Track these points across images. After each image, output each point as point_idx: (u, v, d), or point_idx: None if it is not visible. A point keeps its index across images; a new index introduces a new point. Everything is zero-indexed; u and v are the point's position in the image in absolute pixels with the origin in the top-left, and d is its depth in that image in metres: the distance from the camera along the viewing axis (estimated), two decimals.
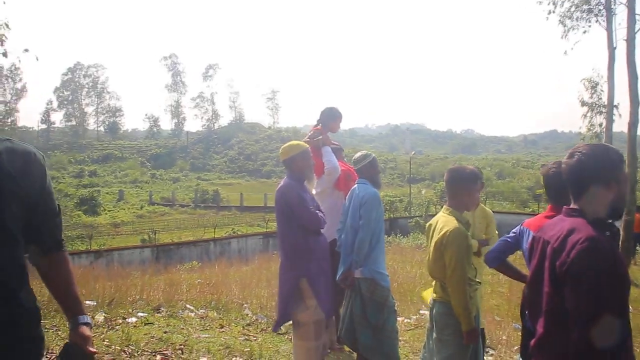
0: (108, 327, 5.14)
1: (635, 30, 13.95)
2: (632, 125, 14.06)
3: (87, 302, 5.99)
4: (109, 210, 54.34)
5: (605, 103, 18.55)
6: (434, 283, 3.69)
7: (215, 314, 6.22)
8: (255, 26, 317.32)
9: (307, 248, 4.16)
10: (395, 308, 4.60)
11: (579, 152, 2.17)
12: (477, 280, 3.61)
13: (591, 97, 18.98)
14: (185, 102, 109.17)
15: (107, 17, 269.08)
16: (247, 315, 6.41)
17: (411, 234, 28.88)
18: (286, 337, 5.52)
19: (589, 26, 18.31)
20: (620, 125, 16.80)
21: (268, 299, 7.24)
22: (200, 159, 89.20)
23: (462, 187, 3.56)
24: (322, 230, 4.34)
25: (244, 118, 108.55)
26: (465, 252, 3.40)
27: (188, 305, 6.45)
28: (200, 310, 6.34)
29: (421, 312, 7.95)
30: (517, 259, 5.48)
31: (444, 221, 3.51)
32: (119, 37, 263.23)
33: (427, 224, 3.79)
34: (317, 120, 5.58)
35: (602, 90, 18.72)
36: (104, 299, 6.17)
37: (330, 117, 5.53)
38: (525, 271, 3.22)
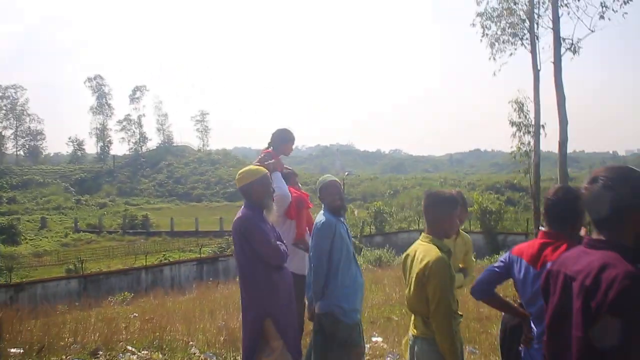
0: None
1: (562, 53, 14.44)
2: (562, 144, 14.46)
3: (12, 349, 5.35)
4: (30, 239, 51.63)
5: (533, 122, 19.23)
6: (413, 318, 3.38)
7: (159, 355, 5.70)
8: (183, 47, 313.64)
9: (270, 284, 3.81)
10: (363, 350, 4.30)
11: (603, 176, 1.92)
12: (460, 313, 3.34)
13: (519, 117, 19.57)
14: (112, 124, 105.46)
15: (26, 35, 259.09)
16: (194, 354, 5.92)
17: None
18: None
19: (515, 49, 19.03)
20: (547, 144, 17.36)
21: (215, 334, 6.75)
22: (128, 183, 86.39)
23: (442, 213, 3.28)
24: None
25: (173, 141, 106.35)
26: (450, 284, 3.12)
27: (129, 347, 5.89)
28: (143, 352, 5.80)
29: (373, 339, 7.66)
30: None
31: (423, 250, 3.21)
32: (40, 58, 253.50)
33: (404, 254, 3.49)
34: (267, 142, 5.24)
35: (528, 110, 19.35)
36: (32, 345, 5.53)
37: (282, 140, 5.20)
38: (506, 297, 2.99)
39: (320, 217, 4.34)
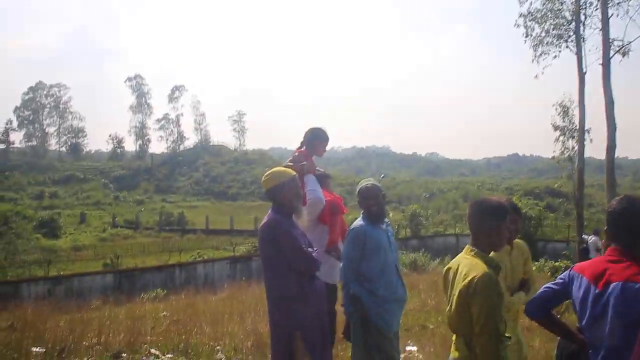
0: None
1: (610, 56, 13.81)
2: (609, 150, 13.83)
3: (35, 348, 5.20)
4: (70, 234, 52.60)
5: (577, 127, 18.57)
6: (454, 339, 3.05)
7: None
8: (222, 48, 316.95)
9: (301, 295, 3.51)
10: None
11: None
12: (508, 335, 2.98)
13: (563, 121, 18.92)
14: (150, 123, 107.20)
15: (69, 35, 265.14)
16: None
17: None
18: None
19: (560, 51, 18.38)
20: (591, 149, 16.73)
21: (243, 338, 6.52)
22: (165, 181, 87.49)
23: (489, 224, 2.93)
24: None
25: (210, 140, 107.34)
26: (497, 303, 2.77)
27: (153, 350, 5.69)
28: (167, 356, 5.60)
29: (408, 348, 7.32)
30: None
31: (468, 265, 2.88)
32: (84, 58, 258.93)
33: (445, 268, 3.16)
34: (300, 142, 4.96)
35: (573, 114, 18.69)
36: (54, 345, 5.38)
37: (316, 139, 4.91)
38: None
39: (355, 222, 4.14)
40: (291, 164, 4.65)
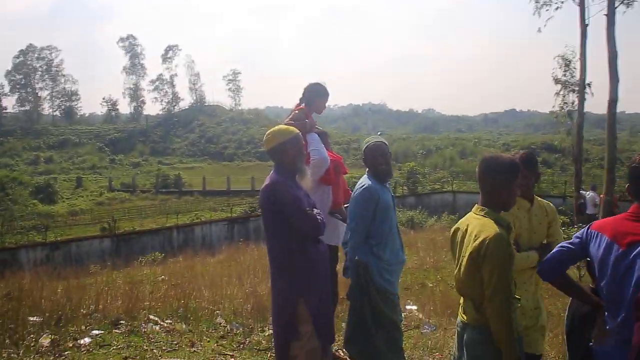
0: (55, 354, 4.28)
1: (616, 5, 13.42)
2: (611, 103, 13.58)
3: (31, 318, 5.12)
4: (66, 198, 52.56)
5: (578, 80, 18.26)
6: (462, 302, 2.94)
7: (183, 326, 5.41)
8: (215, 5, 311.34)
9: (305, 259, 3.37)
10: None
11: None
12: (518, 297, 2.86)
13: (564, 75, 18.61)
14: (144, 85, 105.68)
15: None
16: (220, 324, 5.63)
17: None
18: (269, 355, 4.76)
19: (562, 2, 17.92)
20: (588, 103, 16.42)
21: (242, 302, 6.47)
22: (161, 143, 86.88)
23: (500, 181, 2.78)
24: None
25: (205, 100, 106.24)
26: (509, 265, 2.66)
27: (152, 316, 5.62)
28: (166, 322, 5.53)
29: (408, 307, 7.28)
30: None
31: (478, 225, 2.74)
32: (74, 19, 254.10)
33: (453, 228, 3.01)
34: (299, 99, 4.76)
35: (574, 68, 18.34)
36: (52, 313, 5.30)
37: (316, 95, 4.70)
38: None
39: (363, 181, 3.92)
40: (292, 122, 4.47)
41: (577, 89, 18.23)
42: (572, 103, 18.41)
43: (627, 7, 15.55)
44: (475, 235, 2.70)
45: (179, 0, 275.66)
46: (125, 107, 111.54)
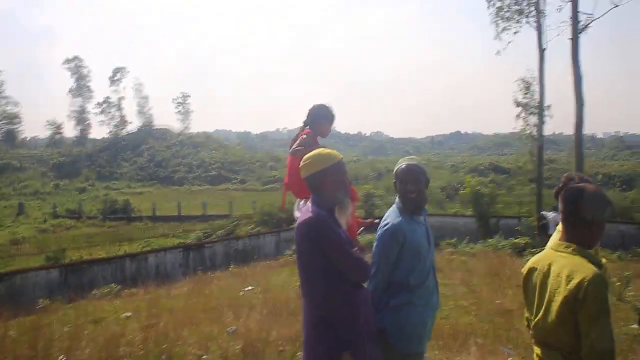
0: None
1: (579, 30, 13.61)
2: (578, 126, 13.71)
3: None
4: (7, 226, 50.05)
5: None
6: (539, 351, 2.52)
7: None
8: (163, 29, 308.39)
9: (351, 307, 2.87)
10: None
11: None
12: None
13: (525, 97, 18.84)
14: (90, 107, 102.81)
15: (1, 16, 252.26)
16: None
17: None
18: None
19: (520, 27, 18.23)
20: (552, 126, 16.69)
21: (229, 341, 5.89)
22: (108, 167, 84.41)
23: (598, 216, 2.44)
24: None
25: (154, 124, 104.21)
26: (610, 310, 2.30)
27: None
28: None
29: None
30: None
31: (570, 265, 2.37)
32: (17, 39, 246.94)
33: (527, 268, 2.62)
34: (303, 121, 4.33)
35: (534, 91, 18.62)
36: None
37: (322, 118, 4.31)
38: None
39: (388, 215, 3.38)
40: (300, 147, 4.02)
41: (536, 111, 18.52)
42: (534, 125, 18.65)
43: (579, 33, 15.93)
44: (568, 277, 2.32)
45: (126, 23, 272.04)
46: (70, 131, 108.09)
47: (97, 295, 15.06)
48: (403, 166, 3.42)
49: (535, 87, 18.41)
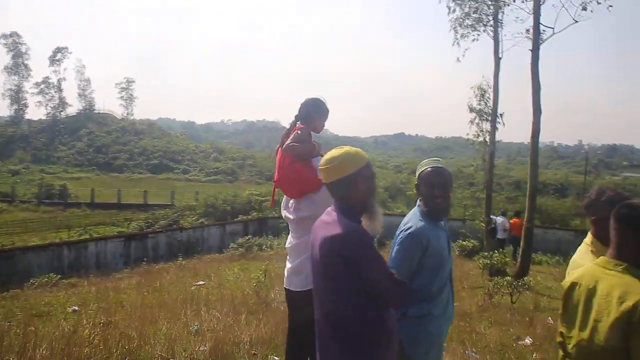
0: None
1: (541, 42, 13.81)
2: (535, 134, 13.94)
3: None
4: None
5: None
6: None
7: None
8: (111, 13, 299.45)
9: (384, 332, 2.50)
10: None
11: None
12: None
13: (479, 104, 19.11)
14: (28, 87, 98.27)
15: None
16: None
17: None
18: None
19: (478, 35, 18.48)
20: (503, 133, 17.03)
21: (194, 342, 5.56)
22: (44, 150, 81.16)
23: None
24: None
25: (95, 108, 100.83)
26: None
27: None
28: None
29: None
30: None
31: (620, 285, 2.22)
32: None
33: (568, 282, 2.45)
34: (295, 116, 4.05)
35: (489, 98, 18.90)
36: None
37: (316, 111, 4.00)
38: None
39: (410, 219, 3.10)
40: (295, 144, 3.74)
41: (490, 118, 18.84)
42: (487, 131, 18.96)
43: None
44: (620, 298, 2.15)
45: (72, 2, 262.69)
46: (4, 110, 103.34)
47: (35, 285, 14.23)
48: (429, 169, 3.14)
49: (490, 95, 18.75)
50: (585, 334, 2.28)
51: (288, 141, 3.79)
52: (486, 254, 14.33)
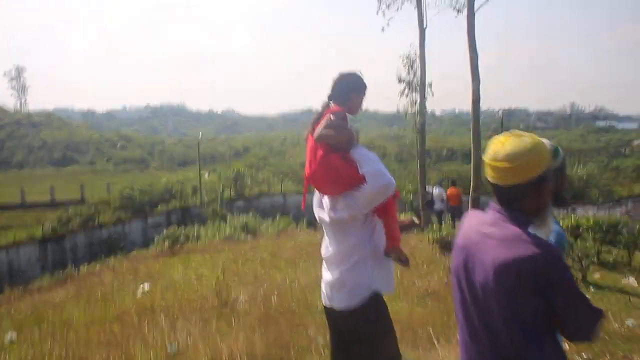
0: None
1: (476, 9, 13.64)
2: (475, 103, 13.84)
3: None
4: None
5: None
6: None
7: None
8: None
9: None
10: None
11: None
12: None
13: (408, 75, 18.91)
14: None
15: None
16: None
17: (210, 222, 26.76)
18: None
19: (402, 3, 18.31)
20: (432, 102, 17.02)
21: None
22: None
23: None
24: None
25: None
26: None
27: None
28: None
29: None
30: None
31: None
32: None
33: None
34: (327, 95, 3.30)
35: (418, 67, 18.72)
36: None
37: (353, 89, 3.24)
38: None
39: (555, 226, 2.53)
40: (331, 131, 3.04)
41: (418, 88, 18.72)
42: (416, 102, 18.81)
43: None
44: None
45: None
46: None
47: None
48: (562, 153, 2.46)
49: (418, 64, 18.60)
50: None
51: (320, 127, 3.08)
52: (434, 227, 14.22)
